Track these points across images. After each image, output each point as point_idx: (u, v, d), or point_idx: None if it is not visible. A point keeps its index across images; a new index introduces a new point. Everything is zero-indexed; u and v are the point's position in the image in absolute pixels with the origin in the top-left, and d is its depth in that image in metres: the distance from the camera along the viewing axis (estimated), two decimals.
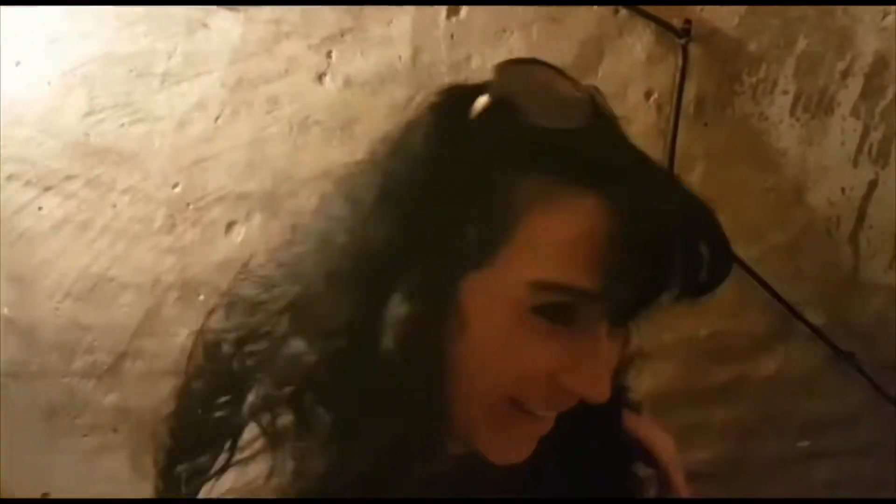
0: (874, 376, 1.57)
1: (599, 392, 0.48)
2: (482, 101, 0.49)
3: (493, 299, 0.47)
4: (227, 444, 0.54)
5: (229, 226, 1.24)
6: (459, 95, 0.50)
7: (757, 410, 1.57)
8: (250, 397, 0.53)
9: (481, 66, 1.22)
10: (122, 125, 1.19)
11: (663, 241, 0.44)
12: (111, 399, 1.41)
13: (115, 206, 1.24)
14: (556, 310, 0.46)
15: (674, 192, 0.48)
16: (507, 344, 0.47)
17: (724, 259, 0.48)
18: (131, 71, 1.16)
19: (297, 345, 0.51)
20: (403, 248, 0.48)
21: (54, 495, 1.46)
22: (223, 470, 0.53)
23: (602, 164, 0.46)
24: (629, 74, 1.24)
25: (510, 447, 0.52)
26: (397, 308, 0.47)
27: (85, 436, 1.42)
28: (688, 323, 1.45)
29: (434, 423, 0.49)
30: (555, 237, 0.46)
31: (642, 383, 1.54)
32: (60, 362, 1.35)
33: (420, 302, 0.47)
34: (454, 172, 0.47)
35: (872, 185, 1.38)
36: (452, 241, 0.47)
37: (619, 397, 0.66)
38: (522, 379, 0.48)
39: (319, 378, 0.50)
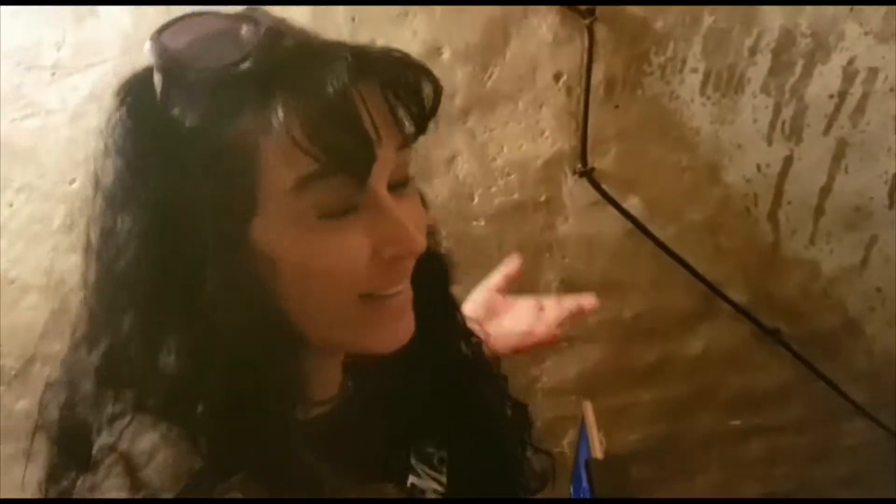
0: (801, 352, 1.58)
1: (417, 241, 0.51)
2: (157, 79, 0.48)
3: (284, 229, 0.48)
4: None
5: None
6: (141, 80, 0.50)
7: (686, 390, 1.58)
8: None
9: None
10: (14, 120, 1.14)
11: (346, 97, 0.45)
12: (22, 405, 1.37)
13: (11, 205, 1.19)
14: (333, 205, 0.48)
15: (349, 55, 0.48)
16: (319, 256, 0.49)
17: (435, 88, 0.51)
18: (19, 64, 1.11)
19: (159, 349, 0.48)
20: (176, 227, 0.48)
21: None
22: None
23: (277, 72, 0.46)
24: (537, 56, 1.23)
25: (390, 332, 0.54)
26: (211, 284, 0.47)
27: None
28: (611, 304, 1.45)
29: (291, 368, 0.50)
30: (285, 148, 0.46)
31: (570, 367, 1.56)
32: None
33: (224, 270, 0.47)
34: (175, 146, 0.47)
35: (788, 161, 1.38)
36: (213, 206, 0.47)
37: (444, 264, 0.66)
38: (353, 274, 0.50)
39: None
